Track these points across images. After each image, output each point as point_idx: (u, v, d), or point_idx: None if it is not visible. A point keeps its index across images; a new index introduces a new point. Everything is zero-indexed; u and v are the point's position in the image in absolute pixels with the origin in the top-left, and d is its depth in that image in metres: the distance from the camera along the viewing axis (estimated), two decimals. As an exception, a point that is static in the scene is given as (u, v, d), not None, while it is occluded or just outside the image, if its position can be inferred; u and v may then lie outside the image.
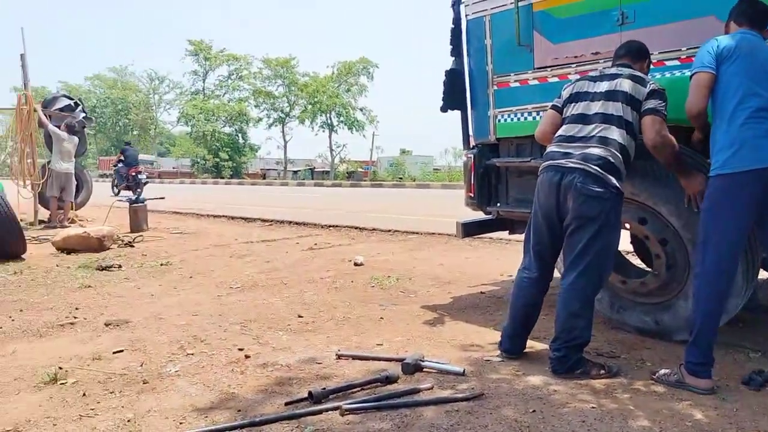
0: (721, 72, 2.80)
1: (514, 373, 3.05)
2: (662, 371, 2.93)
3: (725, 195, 2.74)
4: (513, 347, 3.35)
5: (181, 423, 2.57)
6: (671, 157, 3.06)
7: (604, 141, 3.09)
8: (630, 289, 3.68)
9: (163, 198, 11.92)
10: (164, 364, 3.31)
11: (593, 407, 2.61)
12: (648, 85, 3.14)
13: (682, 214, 3.30)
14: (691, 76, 2.90)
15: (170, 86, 59.35)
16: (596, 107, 3.19)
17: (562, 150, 3.19)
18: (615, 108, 3.13)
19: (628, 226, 3.57)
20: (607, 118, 3.14)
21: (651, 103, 3.09)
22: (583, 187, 3.02)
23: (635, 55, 3.33)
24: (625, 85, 3.15)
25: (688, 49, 3.38)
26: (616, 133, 3.09)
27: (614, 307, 3.78)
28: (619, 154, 3.06)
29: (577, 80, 3.42)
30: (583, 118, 3.22)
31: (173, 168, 49.96)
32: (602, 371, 3.01)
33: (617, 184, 3.03)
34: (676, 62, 3.45)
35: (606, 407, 2.61)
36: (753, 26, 2.91)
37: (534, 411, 2.58)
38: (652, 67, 3.43)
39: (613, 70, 3.28)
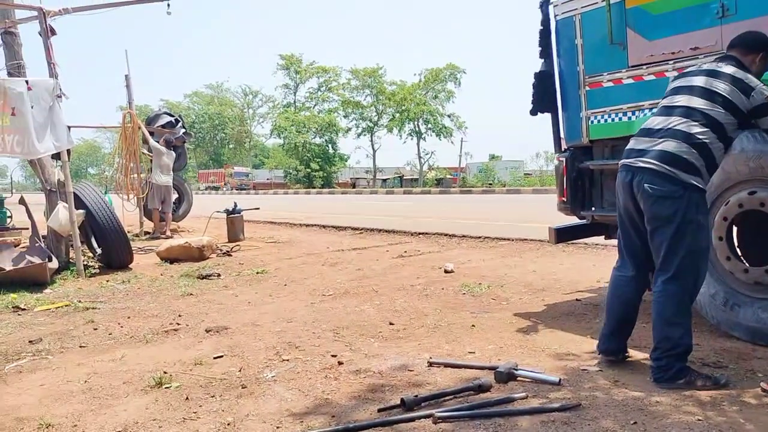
0: None
1: (612, 383, 2.94)
2: None
3: None
4: (610, 346, 3.23)
5: (278, 427, 2.64)
6: None
7: (681, 135, 2.91)
8: (751, 279, 3.41)
9: (258, 209, 12.34)
10: (261, 370, 3.42)
11: (699, 419, 2.47)
12: (755, 96, 2.89)
13: None
14: None
15: (263, 100, 61.83)
16: (682, 100, 3.01)
17: (637, 147, 3.06)
18: (704, 104, 2.93)
19: (763, 205, 3.29)
20: (689, 113, 2.95)
21: None
22: (651, 187, 2.91)
23: (746, 46, 3.06)
24: (721, 87, 2.93)
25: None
26: (697, 129, 2.90)
27: (728, 304, 3.51)
28: (695, 150, 2.87)
29: (677, 76, 3.26)
30: (666, 111, 3.06)
31: (267, 179, 51.75)
32: (708, 382, 2.83)
33: (692, 181, 2.86)
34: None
35: (713, 420, 2.46)
36: None
37: (635, 423, 2.47)
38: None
39: (713, 66, 3.04)
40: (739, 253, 3.68)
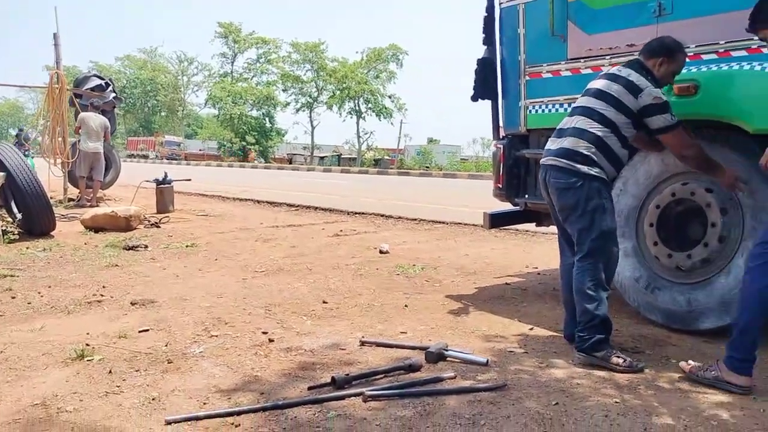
0: None
1: (537, 365, 3.04)
2: (696, 365, 2.88)
3: None
4: (569, 332, 3.41)
5: (204, 403, 2.61)
6: (701, 161, 3.18)
7: (579, 132, 3.21)
8: (673, 263, 3.59)
9: (189, 180, 12.04)
10: (188, 345, 3.36)
11: (616, 402, 2.59)
12: (642, 97, 3.11)
13: (751, 181, 3.26)
14: None
15: (199, 68, 59.91)
16: (583, 101, 3.28)
17: (549, 146, 3.38)
18: (599, 104, 3.19)
19: (693, 194, 3.51)
20: (588, 112, 3.22)
21: (658, 121, 3.13)
22: (556, 181, 3.25)
23: (650, 51, 3.26)
24: (614, 89, 3.17)
25: (726, 42, 3.31)
26: (593, 125, 3.17)
27: (649, 287, 3.69)
28: (592, 144, 3.15)
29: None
30: (572, 111, 3.35)
31: (200, 150, 50.45)
32: (624, 363, 2.98)
33: (591, 171, 3.12)
34: (714, 56, 3.38)
35: (629, 403, 2.59)
36: None
37: (557, 404, 2.56)
38: (689, 60, 3.34)
39: (615, 70, 3.26)
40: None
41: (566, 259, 3.43)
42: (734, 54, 3.30)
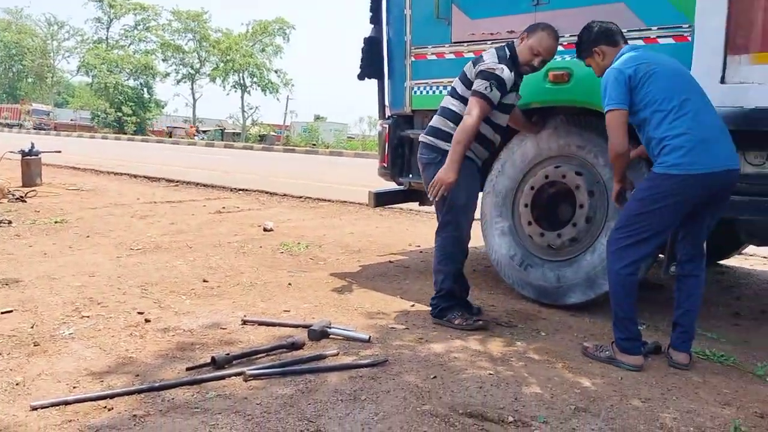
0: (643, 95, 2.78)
1: (417, 341, 3.13)
2: (593, 345, 3.06)
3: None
4: None
5: (74, 387, 2.48)
6: (466, 138, 3.28)
7: (441, 110, 3.49)
8: (545, 242, 3.81)
9: (59, 152, 11.27)
10: (57, 327, 3.16)
11: (490, 374, 2.73)
12: (479, 66, 3.32)
13: None
14: (606, 113, 2.86)
15: (70, 33, 55.52)
16: (454, 82, 3.54)
17: None
18: (458, 84, 3.45)
19: (564, 177, 3.72)
20: (451, 92, 3.48)
21: (475, 84, 3.31)
22: (421, 156, 3.51)
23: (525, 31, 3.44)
24: (466, 67, 3.42)
25: (597, 34, 3.51)
26: (453, 102, 3.42)
27: (523, 264, 3.91)
28: (450, 122, 3.38)
29: None
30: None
31: (71, 120, 47.13)
32: (464, 322, 3.34)
33: (448, 148, 3.31)
34: (587, 46, 3.57)
35: (502, 374, 2.73)
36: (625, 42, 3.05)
37: (434, 377, 2.66)
38: (562, 48, 3.53)
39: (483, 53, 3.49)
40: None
41: None
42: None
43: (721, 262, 5.29)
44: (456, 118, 3.35)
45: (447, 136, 3.35)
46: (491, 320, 3.47)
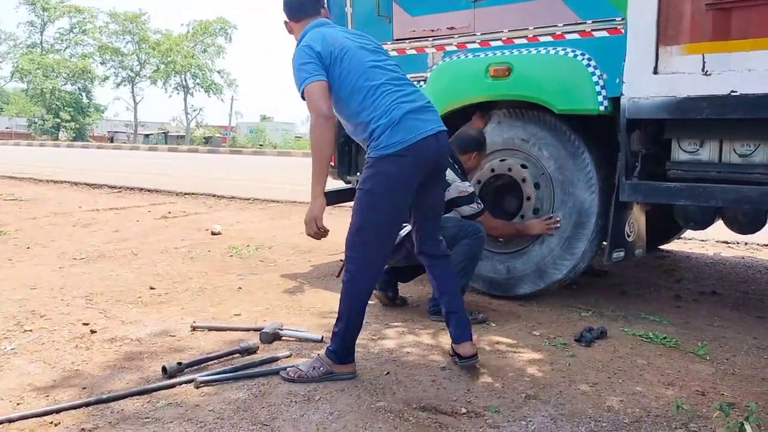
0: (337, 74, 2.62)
1: (370, 338, 3.14)
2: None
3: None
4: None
5: (18, 404, 2.40)
6: (509, 232, 3.74)
7: None
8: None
9: (-6, 161, 10.84)
10: (-3, 343, 3.05)
11: (443, 367, 2.76)
12: (450, 191, 3.46)
13: (559, 157, 3.60)
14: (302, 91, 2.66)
15: (2, 38, 53.40)
16: None
17: None
18: None
19: (510, 170, 3.79)
20: None
21: (467, 210, 3.56)
22: None
23: (460, 147, 3.61)
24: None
25: (535, 28, 3.59)
26: None
27: None
28: None
29: None
30: None
31: (6, 128, 45.43)
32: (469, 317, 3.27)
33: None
34: (524, 40, 3.65)
35: (454, 367, 2.76)
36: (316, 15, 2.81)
37: (388, 373, 2.67)
38: (501, 44, 3.61)
39: None
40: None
41: None
42: (541, 39, 3.59)
43: (662, 246, 5.47)
44: None
45: None
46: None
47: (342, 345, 2.63)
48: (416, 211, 2.75)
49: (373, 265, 2.71)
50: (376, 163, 2.58)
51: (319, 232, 2.88)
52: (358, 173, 4.58)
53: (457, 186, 3.49)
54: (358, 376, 2.64)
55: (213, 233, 6.16)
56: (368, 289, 2.71)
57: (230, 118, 45.15)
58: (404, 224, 3.43)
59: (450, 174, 3.40)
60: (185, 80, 43.98)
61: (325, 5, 2.94)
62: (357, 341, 3.07)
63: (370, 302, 3.74)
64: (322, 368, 2.61)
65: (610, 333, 3.22)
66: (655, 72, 3.17)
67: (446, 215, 3.51)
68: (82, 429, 2.18)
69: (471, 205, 3.53)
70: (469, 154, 3.63)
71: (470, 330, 2.78)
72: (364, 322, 2.73)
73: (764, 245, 5.76)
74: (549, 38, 3.56)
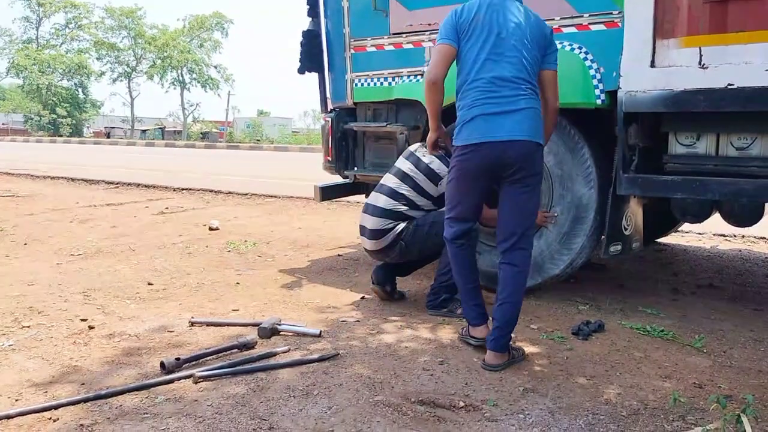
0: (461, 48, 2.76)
1: (368, 333, 3.14)
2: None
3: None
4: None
5: (17, 400, 2.39)
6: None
7: (383, 197, 3.65)
8: (493, 229, 3.85)
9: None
10: (-5, 339, 3.05)
11: (441, 361, 2.76)
12: (442, 185, 3.44)
13: (558, 151, 3.59)
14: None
15: (-2, 33, 53.27)
16: (389, 180, 3.68)
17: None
18: (395, 183, 3.64)
19: None
20: (393, 193, 3.61)
21: None
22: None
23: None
24: (420, 177, 3.55)
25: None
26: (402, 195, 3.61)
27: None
28: (399, 212, 3.59)
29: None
30: (379, 186, 3.78)
31: (2, 124, 45.29)
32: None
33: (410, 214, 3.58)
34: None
35: (452, 361, 2.77)
36: None
37: (386, 368, 2.68)
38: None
39: (419, 153, 3.63)
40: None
41: None
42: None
43: (659, 240, 5.48)
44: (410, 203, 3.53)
45: (399, 216, 3.52)
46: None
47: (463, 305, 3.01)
48: (499, 209, 2.90)
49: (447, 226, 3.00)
50: (455, 150, 2.83)
51: (437, 144, 3.18)
52: (356, 167, 4.58)
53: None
54: (356, 370, 2.64)
55: (211, 228, 6.16)
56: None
57: (227, 114, 45.05)
58: (399, 221, 3.45)
59: (441, 166, 3.47)
60: (182, 75, 43.93)
61: None
62: (355, 335, 3.09)
63: (367, 296, 3.78)
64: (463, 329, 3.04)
65: (607, 326, 3.22)
66: (652, 65, 3.17)
67: (441, 210, 3.52)
68: (81, 425, 2.18)
69: None
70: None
71: (507, 341, 2.78)
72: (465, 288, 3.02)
73: (761, 238, 5.78)
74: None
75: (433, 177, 3.50)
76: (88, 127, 45.30)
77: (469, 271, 2.99)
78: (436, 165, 3.50)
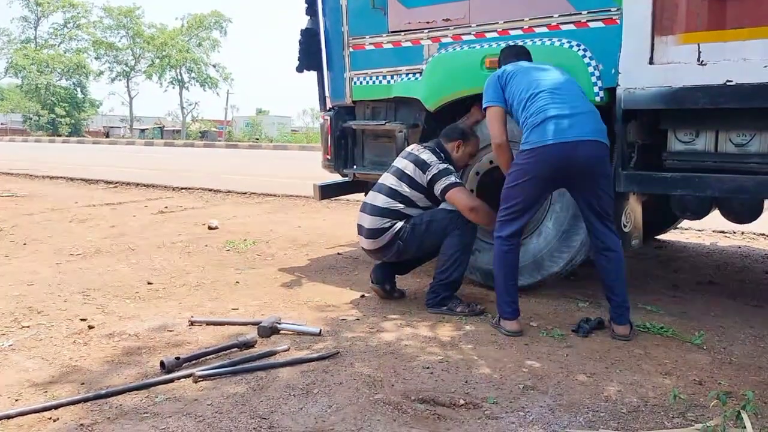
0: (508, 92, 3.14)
1: (368, 331, 3.14)
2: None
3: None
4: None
5: (17, 400, 2.40)
6: (486, 215, 3.50)
7: (381, 197, 3.67)
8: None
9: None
10: (-5, 339, 3.05)
11: (441, 359, 2.76)
12: (430, 170, 3.52)
13: None
14: (484, 110, 3.26)
15: (-4, 33, 53.18)
16: (388, 180, 3.69)
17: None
18: (395, 182, 3.65)
19: None
20: (390, 191, 3.65)
21: (440, 184, 3.50)
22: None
23: (446, 136, 3.69)
24: (410, 168, 3.60)
25: (530, 19, 3.58)
26: (395, 200, 3.65)
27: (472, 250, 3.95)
28: (396, 209, 3.62)
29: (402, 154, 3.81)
30: (378, 186, 3.77)
31: (1, 124, 45.26)
32: (467, 309, 3.41)
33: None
34: (520, 32, 3.64)
35: (452, 358, 2.77)
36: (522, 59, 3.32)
37: (386, 366, 2.67)
38: (497, 35, 3.59)
39: (414, 150, 3.71)
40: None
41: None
42: (537, 30, 3.58)
43: (659, 237, 5.48)
44: (408, 201, 3.56)
45: (395, 214, 3.54)
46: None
47: (500, 299, 3.17)
48: (581, 210, 3.13)
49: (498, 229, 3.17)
50: (519, 154, 3.06)
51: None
52: (355, 166, 4.58)
53: (437, 165, 3.53)
54: (356, 368, 2.64)
55: (210, 228, 6.16)
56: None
57: (226, 112, 45.02)
58: (397, 220, 3.45)
59: (431, 157, 3.54)
60: (180, 74, 43.88)
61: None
62: (355, 334, 3.09)
63: (367, 295, 3.78)
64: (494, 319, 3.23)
65: (607, 323, 3.22)
66: (651, 62, 3.17)
67: (438, 207, 3.56)
68: (81, 424, 2.18)
69: (445, 178, 3.50)
70: (453, 144, 3.63)
71: (628, 315, 3.08)
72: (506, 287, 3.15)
73: (761, 234, 5.77)
74: (544, 29, 3.55)
75: (422, 165, 3.53)
76: (85, 128, 45.18)
77: (513, 270, 3.17)
78: (426, 156, 3.56)
